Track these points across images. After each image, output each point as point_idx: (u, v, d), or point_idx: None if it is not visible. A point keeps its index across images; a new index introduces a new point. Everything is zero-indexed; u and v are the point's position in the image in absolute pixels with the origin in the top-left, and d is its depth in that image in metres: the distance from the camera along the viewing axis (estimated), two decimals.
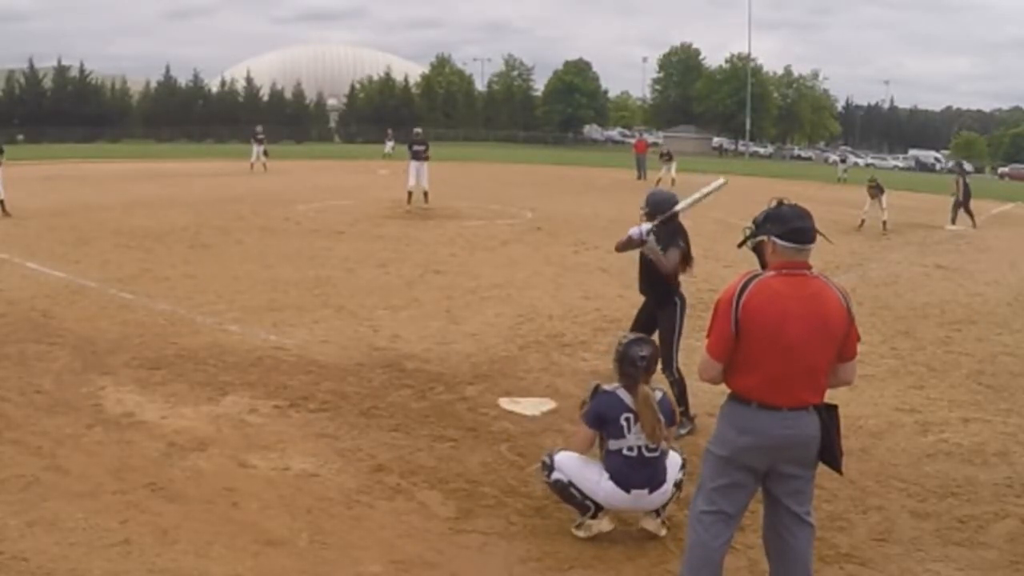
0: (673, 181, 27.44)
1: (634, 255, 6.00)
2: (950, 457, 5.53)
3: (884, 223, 18.98)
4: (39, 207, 17.21)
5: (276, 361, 7.03)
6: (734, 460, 3.34)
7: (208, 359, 7.01)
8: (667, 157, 30.28)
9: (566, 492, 4.25)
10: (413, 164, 19.73)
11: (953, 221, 21.26)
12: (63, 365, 6.73)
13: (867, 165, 69.93)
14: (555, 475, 4.27)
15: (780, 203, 3.41)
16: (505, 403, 6.22)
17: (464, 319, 8.80)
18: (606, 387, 4.29)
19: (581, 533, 4.24)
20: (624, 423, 4.15)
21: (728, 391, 3.41)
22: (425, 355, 7.38)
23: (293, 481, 4.79)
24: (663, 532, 4.27)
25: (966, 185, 21.63)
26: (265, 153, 31.23)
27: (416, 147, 20.16)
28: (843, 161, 43.25)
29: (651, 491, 4.19)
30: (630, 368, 4.22)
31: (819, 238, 3.38)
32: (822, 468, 3.54)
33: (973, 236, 19.48)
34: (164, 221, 15.65)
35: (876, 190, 19.33)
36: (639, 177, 32.10)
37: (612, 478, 4.17)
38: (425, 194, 19.67)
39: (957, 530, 4.49)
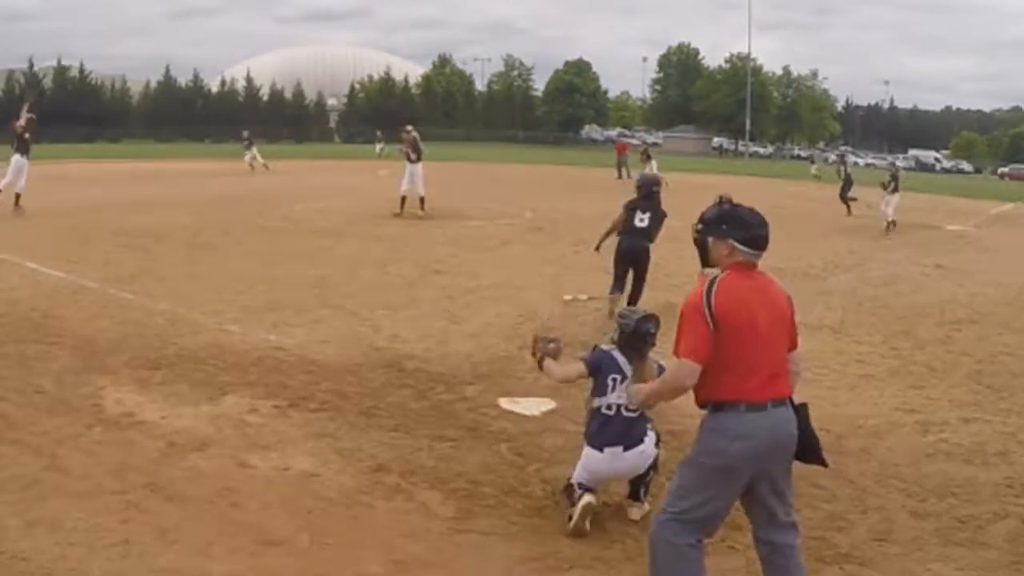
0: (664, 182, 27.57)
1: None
2: (950, 457, 5.53)
3: (888, 223, 18.97)
4: (39, 207, 17.18)
5: (276, 361, 7.03)
6: (726, 469, 3.28)
7: (208, 359, 7.00)
8: (646, 156, 31.24)
9: (567, 488, 4.38)
10: (408, 167, 17.95)
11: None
12: (63, 365, 6.73)
13: (867, 165, 69.97)
14: (573, 474, 4.43)
15: (731, 203, 3.49)
16: (505, 403, 6.22)
17: (464, 319, 8.80)
18: (604, 347, 4.50)
19: (571, 524, 4.27)
20: (610, 382, 4.32)
21: (707, 406, 3.35)
22: (425, 355, 7.38)
23: (293, 481, 4.79)
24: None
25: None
26: (254, 154, 31.54)
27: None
28: (832, 162, 43.20)
29: (625, 449, 4.29)
30: (639, 342, 4.39)
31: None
32: (816, 468, 3.55)
33: (973, 236, 19.48)
34: (164, 221, 15.64)
35: (893, 181, 19.23)
36: (619, 176, 32.29)
37: (589, 444, 4.34)
38: (421, 200, 17.87)
39: (957, 530, 4.49)
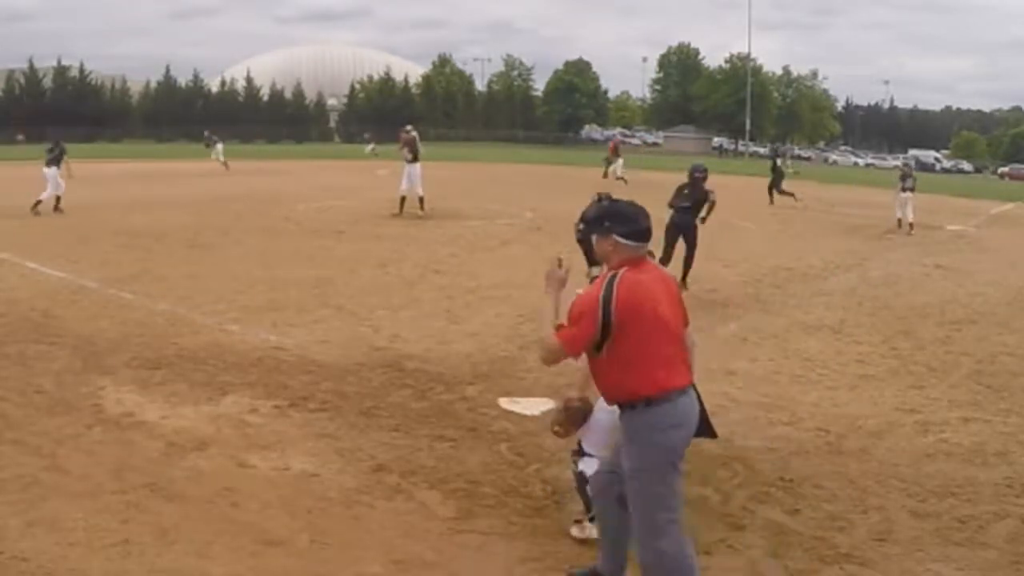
0: (624, 180, 28.61)
1: None
2: (950, 457, 5.53)
3: (899, 221, 19.07)
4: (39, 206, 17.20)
5: (276, 361, 7.03)
6: (674, 460, 3.35)
7: (208, 359, 7.00)
8: (614, 152, 32.07)
9: (582, 487, 4.26)
10: (406, 167, 17.90)
11: (772, 201, 24.02)
12: (63, 365, 6.73)
13: (867, 165, 70.04)
14: (581, 465, 4.26)
15: (610, 199, 3.53)
16: (505, 403, 6.22)
17: (464, 319, 8.80)
18: None
19: (575, 531, 4.25)
20: None
21: (630, 404, 3.36)
22: (425, 355, 7.38)
23: (293, 481, 4.79)
24: None
25: (778, 169, 25.29)
26: (219, 152, 31.96)
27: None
28: (781, 156, 45.25)
29: None
30: None
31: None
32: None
33: (973, 236, 19.49)
34: (164, 221, 15.65)
35: (908, 180, 19.42)
36: (605, 175, 32.45)
37: None
38: (420, 200, 17.77)
39: (957, 530, 4.49)
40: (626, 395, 3.35)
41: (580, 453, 4.30)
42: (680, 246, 10.87)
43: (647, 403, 3.30)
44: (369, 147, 44.32)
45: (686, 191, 11.00)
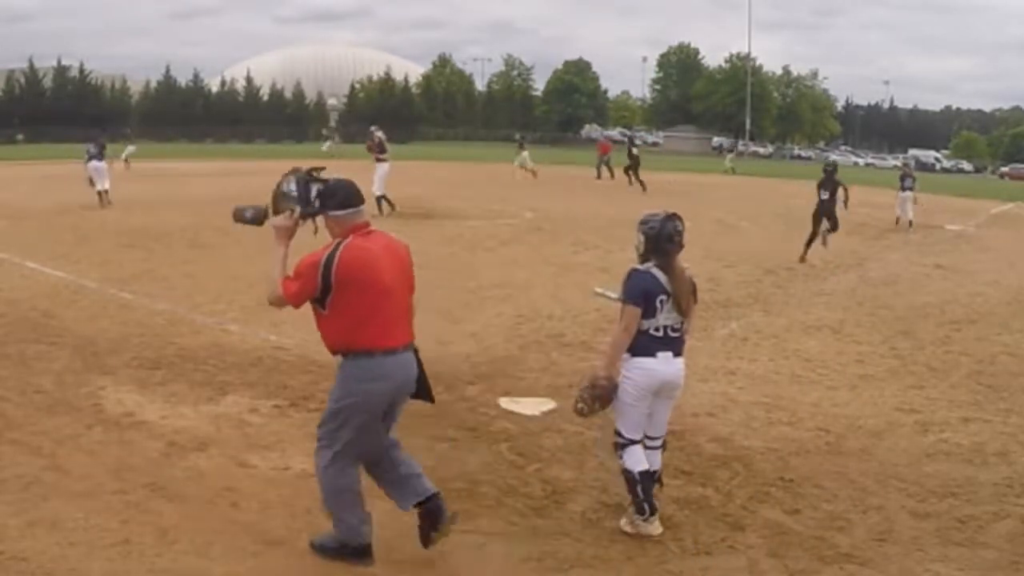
0: (534, 173, 29.33)
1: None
2: (950, 457, 5.53)
3: (898, 219, 19.23)
4: (39, 207, 17.21)
5: (276, 361, 7.03)
6: (371, 406, 3.71)
7: (208, 359, 7.00)
8: (520, 147, 32.21)
9: (632, 486, 4.23)
10: (376, 167, 17.64)
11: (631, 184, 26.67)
12: (63, 365, 6.73)
13: (867, 165, 70.07)
14: (627, 463, 4.23)
15: (309, 176, 3.81)
16: (505, 403, 6.22)
17: (464, 319, 8.80)
18: (639, 267, 4.27)
19: (627, 527, 4.26)
20: (659, 304, 4.18)
21: (342, 354, 3.75)
22: (425, 355, 7.33)
23: (293, 481, 4.79)
24: (659, 530, 4.25)
25: (634, 156, 28.34)
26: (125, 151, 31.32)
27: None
28: (730, 151, 51.15)
29: (675, 355, 4.24)
30: (667, 244, 4.23)
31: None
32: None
33: (973, 236, 19.49)
34: (164, 221, 15.64)
35: (908, 180, 19.74)
36: (598, 176, 32.46)
37: (636, 355, 4.19)
38: (377, 200, 17.03)
39: (957, 530, 4.49)
40: (341, 347, 3.71)
41: (621, 445, 4.26)
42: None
43: (355, 355, 3.68)
44: (326, 144, 42.69)
45: (822, 187, 13.77)
